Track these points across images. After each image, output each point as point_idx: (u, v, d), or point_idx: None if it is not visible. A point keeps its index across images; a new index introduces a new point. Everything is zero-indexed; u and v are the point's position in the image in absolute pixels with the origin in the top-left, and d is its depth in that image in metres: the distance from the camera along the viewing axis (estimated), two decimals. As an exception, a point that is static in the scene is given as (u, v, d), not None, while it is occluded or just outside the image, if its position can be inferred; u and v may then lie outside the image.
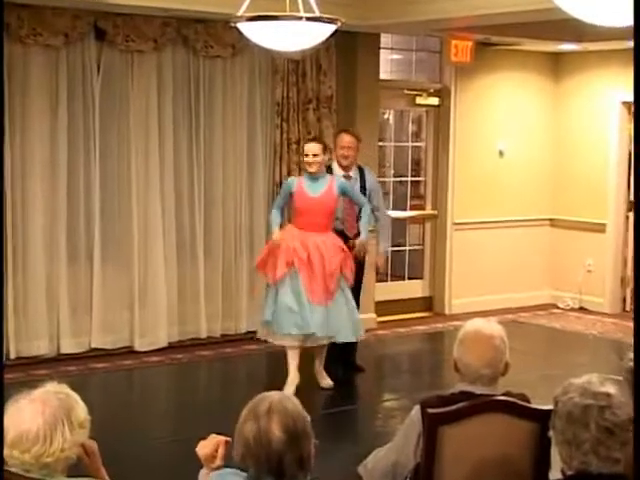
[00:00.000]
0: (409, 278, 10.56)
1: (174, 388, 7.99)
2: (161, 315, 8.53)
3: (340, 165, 7.69)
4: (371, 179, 7.89)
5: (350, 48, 9.25)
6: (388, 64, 10.21)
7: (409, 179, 10.58)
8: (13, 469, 2.61)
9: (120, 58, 8.25)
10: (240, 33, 5.44)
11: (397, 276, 10.51)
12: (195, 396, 7.48)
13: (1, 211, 6.85)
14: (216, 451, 2.73)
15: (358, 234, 7.52)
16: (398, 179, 10.54)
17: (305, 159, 7.24)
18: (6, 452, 2.61)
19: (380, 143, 10.00)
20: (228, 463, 2.73)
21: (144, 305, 8.47)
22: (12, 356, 7.89)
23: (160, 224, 8.46)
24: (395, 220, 10.39)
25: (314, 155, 7.14)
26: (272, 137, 9.11)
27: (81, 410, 2.72)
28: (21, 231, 7.94)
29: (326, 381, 7.41)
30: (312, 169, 7.16)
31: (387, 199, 10.36)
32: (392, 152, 10.49)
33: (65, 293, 8.13)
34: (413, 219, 10.66)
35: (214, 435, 2.77)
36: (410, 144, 10.58)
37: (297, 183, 7.29)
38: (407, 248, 10.59)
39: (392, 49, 10.25)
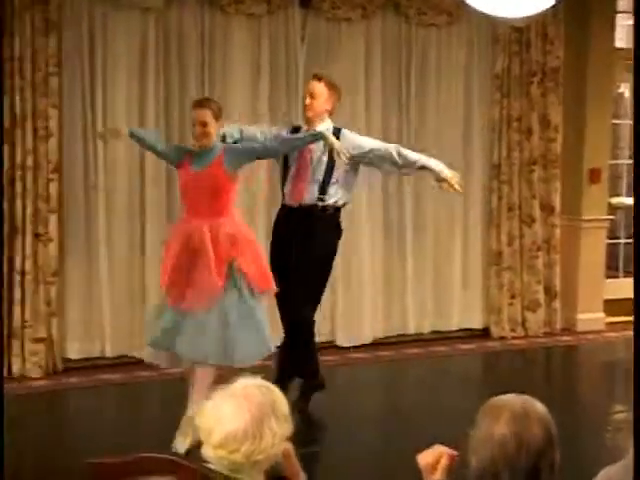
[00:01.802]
0: (645, 273, 10.21)
1: (380, 389, 8.01)
2: (365, 309, 8.60)
3: (304, 117, 6.65)
4: (352, 138, 6.51)
5: (581, 13, 9.02)
6: (625, 30, 9.88)
7: (647, 161, 10.22)
8: (214, 467, 2.65)
9: (326, 27, 8.34)
10: (459, -3, 5.39)
11: (630, 272, 10.19)
12: (403, 398, 7.48)
13: (1, 208, 7.05)
14: (438, 462, 2.70)
15: (304, 207, 6.46)
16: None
17: (192, 130, 6.00)
18: (209, 452, 2.65)
19: (614, 120, 9.71)
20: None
21: (346, 297, 8.55)
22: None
23: (365, 208, 8.48)
24: (629, 208, 10.10)
25: (202, 124, 5.90)
26: (490, 114, 9.01)
27: (283, 402, 2.75)
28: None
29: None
30: (201, 141, 5.94)
31: (620, 184, 10.09)
32: (628, 131, 10.16)
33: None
34: (651, 207, 10.29)
35: (438, 446, 2.75)
36: (649, 122, 10.21)
37: (185, 155, 6.09)
38: (644, 239, 10.23)
39: (631, 13, 9.91)
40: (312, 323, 6.66)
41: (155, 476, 2.66)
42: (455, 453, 2.68)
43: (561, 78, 9.06)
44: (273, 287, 6.06)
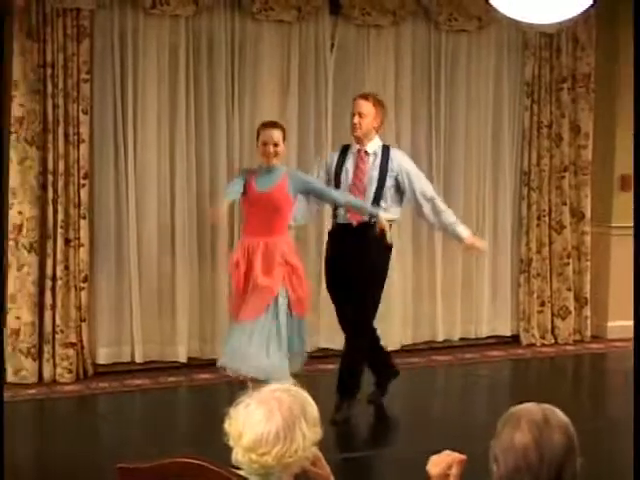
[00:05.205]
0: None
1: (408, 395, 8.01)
2: (395, 316, 8.59)
3: (353, 136, 6.73)
4: (400, 159, 6.74)
5: (612, 19, 8.99)
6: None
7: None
8: (244, 473, 2.67)
9: (356, 33, 8.36)
10: (488, 3, 5.38)
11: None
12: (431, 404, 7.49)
13: (2, 211, 7.06)
14: (449, 469, 2.67)
15: (366, 224, 6.54)
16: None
17: (263, 148, 6.31)
18: (239, 457, 2.67)
19: (644, 128, 9.66)
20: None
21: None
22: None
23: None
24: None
25: (275, 145, 6.29)
26: (520, 120, 9.00)
27: (314, 407, 2.76)
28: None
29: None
30: (272, 161, 6.31)
31: None
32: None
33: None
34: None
35: (448, 452, 2.72)
36: (680, 129, 10.16)
37: (250, 175, 6.42)
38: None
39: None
40: (374, 330, 6.87)
41: (185, 481, 2.67)
42: (464, 457, 2.67)
43: (592, 84, 9.03)
44: (306, 314, 6.44)
